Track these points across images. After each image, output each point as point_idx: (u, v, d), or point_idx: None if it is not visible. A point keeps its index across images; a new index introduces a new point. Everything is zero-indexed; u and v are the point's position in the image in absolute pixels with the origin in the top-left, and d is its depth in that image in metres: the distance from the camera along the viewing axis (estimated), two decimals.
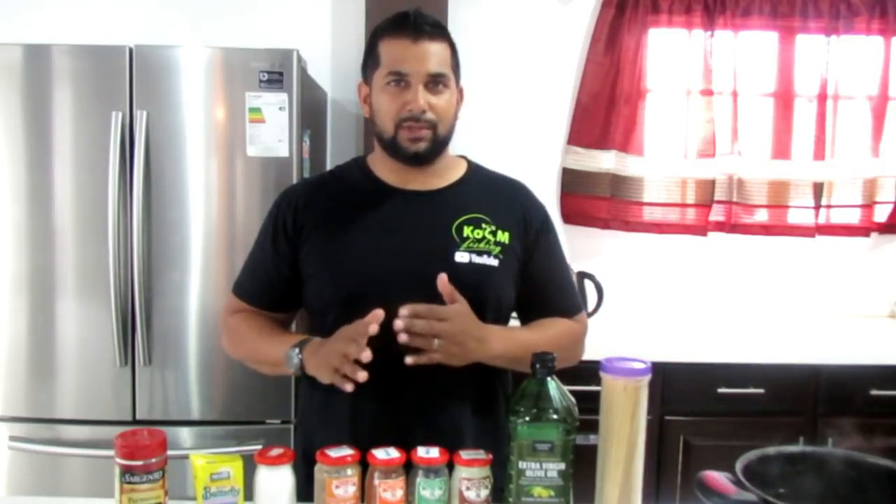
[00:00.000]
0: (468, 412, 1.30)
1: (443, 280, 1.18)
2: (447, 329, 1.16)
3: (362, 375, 1.11)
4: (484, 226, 1.30)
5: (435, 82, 1.26)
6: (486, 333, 1.23)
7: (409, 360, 1.16)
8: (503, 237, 1.31)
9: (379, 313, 1.12)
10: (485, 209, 1.32)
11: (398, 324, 1.14)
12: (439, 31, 1.28)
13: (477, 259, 1.28)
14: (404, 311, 1.14)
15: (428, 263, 1.25)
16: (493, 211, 1.32)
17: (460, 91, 1.34)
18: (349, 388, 1.13)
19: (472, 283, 1.26)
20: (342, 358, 1.12)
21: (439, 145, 1.30)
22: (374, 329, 1.12)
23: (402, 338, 1.14)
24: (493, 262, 1.29)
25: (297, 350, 1.22)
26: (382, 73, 1.27)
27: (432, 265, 1.24)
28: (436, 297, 1.22)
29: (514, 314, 1.41)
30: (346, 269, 1.28)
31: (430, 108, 1.25)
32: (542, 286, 1.37)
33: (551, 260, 1.39)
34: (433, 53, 1.26)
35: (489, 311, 1.29)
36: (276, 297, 1.37)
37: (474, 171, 1.40)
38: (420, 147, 1.27)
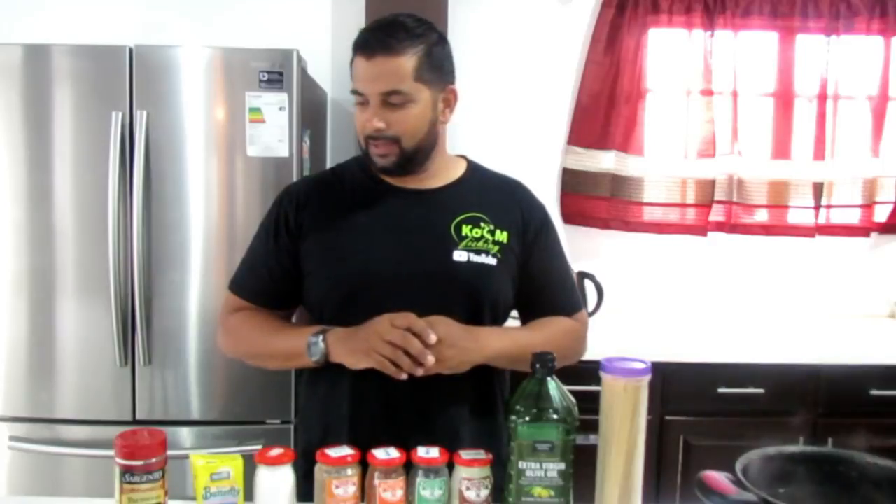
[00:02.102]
0: (466, 412, 1.30)
1: None
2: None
3: (419, 372, 1.14)
4: (482, 225, 1.30)
5: (390, 101, 1.23)
6: (477, 334, 1.23)
7: (413, 372, 1.16)
8: (501, 236, 1.31)
9: (431, 360, 1.15)
10: (483, 208, 1.32)
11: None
12: (404, 42, 1.22)
13: (475, 258, 1.28)
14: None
15: (426, 262, 1.25)
16: (492, 210, 1.33)
17: (452, 92, 1.32)
18: (404, 376, 1.15)
19: (469, 282, 1.27)
20: (399, 353, 1.13)
21: (408, 158, 1.28)
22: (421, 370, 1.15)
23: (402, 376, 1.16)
24: (491, 261, 1.29)
25: (320, 337, 1.22)
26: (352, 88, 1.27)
27: (430, 264, 1.25)
28: (433, 295, 1.23)
29: (514, 314, 1.41)
30: (344, 268, 1.28)
31: (389, 126, 1.23)
32: (541, 285, 1.37)
33: (550, 258, 1.39)
34: (386, 72, 1.22)
35: (486, 310, 1.29)
36: (277, 293, 1.36)
37: (474, 170, 1.40)
38: (387, 162, 1.27)
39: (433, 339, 1.14)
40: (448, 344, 1.17)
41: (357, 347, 1.18)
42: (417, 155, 1.29)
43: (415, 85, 1.23)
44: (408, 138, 1.26)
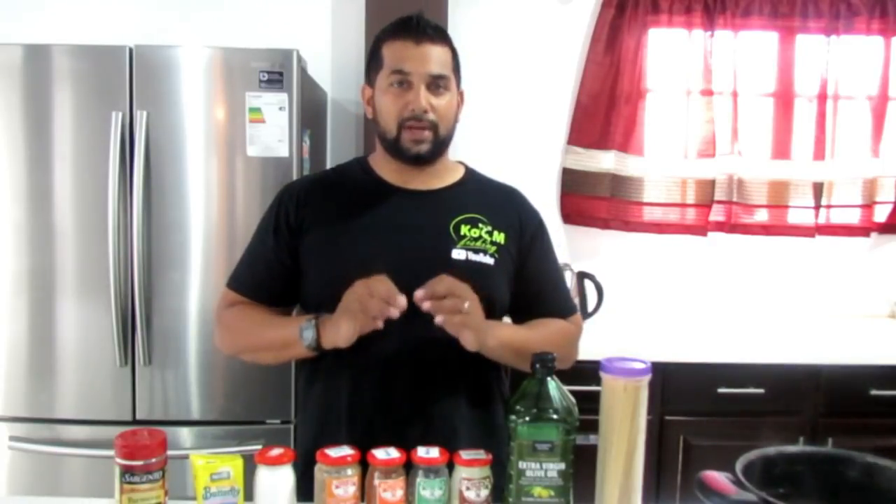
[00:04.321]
0: (465, 411, 1.30)
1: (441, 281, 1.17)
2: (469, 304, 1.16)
3: (394, 312, 1.12)
4: (481, 225, 1.32)
5: (436, 84, 1.28)
6: (489, 322, 1.24)
7: (438, 320, 1.14)
8: (499, 237, 1.32)
9: (403, 301, 1.13)
10: (482, 210, 1.34)
11: (425, 305, 1.14)
12: (441, 34, 1.31)
13: (473, 257, 1.29)
14: (420, 293, 1.14)
15: (425, 261, 1.26)
16: (490, 212, 1.34)
17: (461, 94, 1.37)
18: (379, 325, 1.13)
19: (467, 280, 1.27)
20: (369, 299, 1.12)
21: (440, 146, 1.32)
22: (396, 310, 1.12)
23: (438, 318, 1.14)
24: (489, 260, 1.30)
25: (311, 322, 1.22)
26: (385, 73, 1.29)
27: (429, 262, 1.25)
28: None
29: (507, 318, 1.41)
30: (342, 265, 1.28)
31: (431, 109, 1.27)
32: (537, 288, 1.38)
33: (546, 263, 1.41)
34: (435, 55, 1.28)
35: (483, 308, 1.29)
36: (275, 290, 1.36)
37: (472, 175, 1.43)
38: (422, 148, 1.29)
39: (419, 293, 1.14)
40: (476, 314, 1.17)
41: (337, 317, 1.17)
42: (442, 147, 1.33)
43: (451, 74, 1.32)
44: (444, 125, 1.30)
